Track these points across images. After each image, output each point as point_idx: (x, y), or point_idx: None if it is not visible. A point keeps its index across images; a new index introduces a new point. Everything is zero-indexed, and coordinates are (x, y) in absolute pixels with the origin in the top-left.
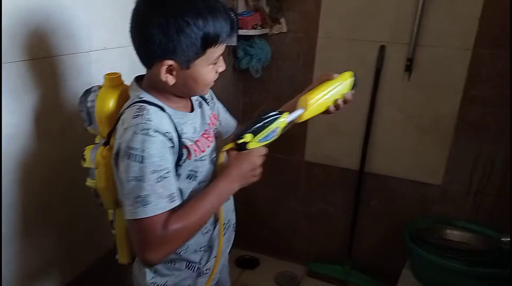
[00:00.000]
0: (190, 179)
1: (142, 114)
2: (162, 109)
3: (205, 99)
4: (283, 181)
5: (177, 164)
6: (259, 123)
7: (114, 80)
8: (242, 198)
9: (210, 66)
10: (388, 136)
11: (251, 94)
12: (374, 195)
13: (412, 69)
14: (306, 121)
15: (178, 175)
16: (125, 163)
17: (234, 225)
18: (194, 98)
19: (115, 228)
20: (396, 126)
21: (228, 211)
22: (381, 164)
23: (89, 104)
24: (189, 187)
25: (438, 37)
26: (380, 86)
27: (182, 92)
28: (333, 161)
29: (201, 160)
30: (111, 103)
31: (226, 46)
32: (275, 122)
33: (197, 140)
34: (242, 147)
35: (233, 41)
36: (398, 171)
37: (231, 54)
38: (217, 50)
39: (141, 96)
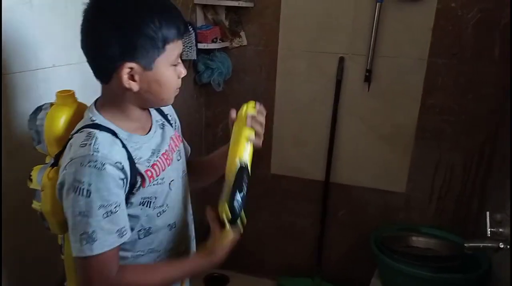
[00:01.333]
0: (144, 205)
1: (90, 144)
2: (114, 134)
3: (168, 121)
4: (250, 194)
5: (130, 192)
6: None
7: (65, 98)
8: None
9: (172, 68)
10: (352, 147)
11: (213, 108)
12: (341, 205)
13: (371, 79)
14: (270, 133)
15: (130, 203)
16: (70, 196)
17: (194, 252)
18: (157, 117)
19: (64, 253)
20: (359, 137)
21: (188, 239)
22: (346, 174)
23: (38, 122)
24: (143, 213)
25: (395, 48)
26: (341, 97)
27: (147, 101)
28: (299, 173)
29: (157, 184)
30: (61, 122)
31: (186, 60)
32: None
33: (154, 164)
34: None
35: (193, 55)
36: (363, 180)
37: (191, 68)
38: (176, 47)
39: (94, 118)
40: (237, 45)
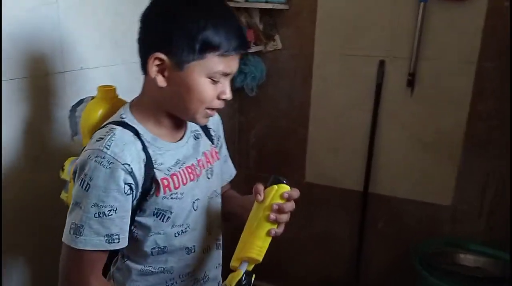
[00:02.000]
0: (158, 218)
1: (105, 140)
2: (138, 134)
3: (208, 134)
4: None
5: (143, 198)
6: None
7: (106, 92)
8: (241, 222)
9: (208, 80)
10: (392, 155)
11: (246, 113)
12: (380, 216)
13: (415, 84)
14: (305, 139)
15: (142, 210)
16: (76, 184)
17: (219, 281)
18: (193, 127)
19: None
20: (401, 144)
21: (209, 266)
22: (386, 184)
23: (77, 113)
24: (157, 226)
25: (441, 50)
26: (381, 102)
27: (174, 106)
28: (335, 182)
29: (173, 198)
30: (97, 115)
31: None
32: None
33: (173, 174)
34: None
35: None
36: (404, 191)
37: None
38: (218, 62)
39: (123, 116)
40: (271, 49)
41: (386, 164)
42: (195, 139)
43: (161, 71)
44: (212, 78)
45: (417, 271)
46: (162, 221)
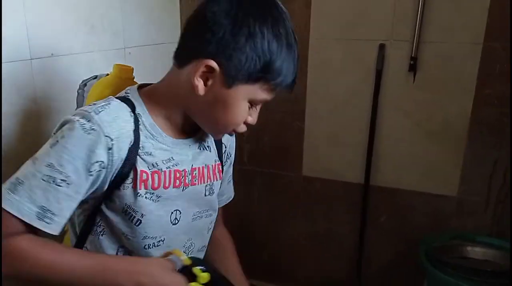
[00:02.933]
0: (127, 216)
1: (97, 105)
2: (134, 114)
3: (219, 148)
4: (281, 199)
5: (117, 186)
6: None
7: (122, 71)
8: (236, 220)
9: (247, 104)
10: (395, 145)
11: None
12: (382, 210)
13: (417, 68)
14: (301, 131)
15: (112, 200)
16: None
17: None
18: (202, 137)
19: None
20: (403, 133)
21: None
22: (389, 176)
23: (87, 88)
24: (125, 226)
25: (444, 32)
26: (382, 89)
27: (200, 113)
28: (334, 175)
29: (147, 198)
30: (106, 92)
31: None
32: None
33: (156, 171)
34: (187, 271)
35: None
36: (408, 183)
37: None
38: (266, 92)
39: (128, 92)
40: None
41: (388, 154)
42: (199, 149)
43: (204, 78)
44: (252, 103)
45: (424, 266)
46: (131, 221)
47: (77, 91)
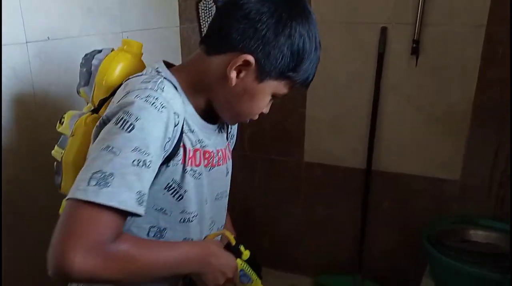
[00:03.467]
0: (170, 192)
1: (155, 82)
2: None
3: (226, 130)
4: (282, 185)
5: (165, 162)
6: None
7: (134, 45)
8: (238, 207)
9: (270, 97)
10: (397, 129)
11: None
12: (384, 195)
13: (420, 52)
14: (303, 116)
15: (157, 177)
16: (108, 126)
17: None
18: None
19: None
20: (405, 118)
21: None
22: (391, 161)
23: (95, 61)
24: (165, 202)
25: (447, 14)
26: (384, 73)
27: (223, 100)
28: (336, 160)
29: (191, 176)
30: (118, 67)
31: None
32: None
33: (197, 149)
34: (236, 250)
35: None
36: (410, 167)
37: None
38: (288, 87)
39: (160, 70)
40: None
41: (390, 139)
42: (219, 132)
43: (238, 70)
44: (273, 97)
45: (427, 250)
46: (173, 197)
47: (80, 65)
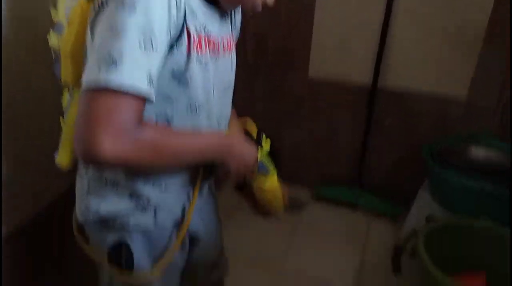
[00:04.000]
0: (175, 78)
1: None
2: None
3: (232, 21)
4: (285, 101)
5: (170, 49)
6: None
7: None
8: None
9: None
10: (406, 48)
11: None
12: (388, 113)
13: None
14: (310, 30)
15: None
16: (108, 10)
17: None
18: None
19: (66, 119)
20: (416, 37)
21: None
22: (397, 79)
23: None
24: (172, 90)
25: None
26: None
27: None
28: (341, 77)
29: (197, 63)
30: None
31: None
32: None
33: (201, 35)
34: (257, 141)
35: None
36: (416, 85)
37: None
38: None
39: None
40: None
41: (399, 57)
42: (222, 18)
43: None
44: None
45: (426, 163)
46: (178, 83)
47: None
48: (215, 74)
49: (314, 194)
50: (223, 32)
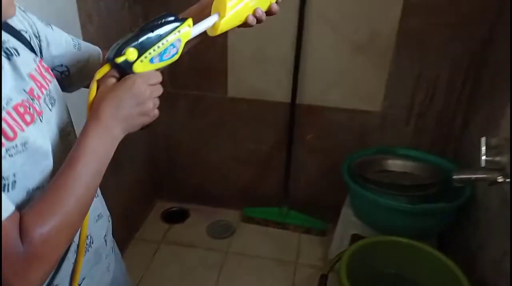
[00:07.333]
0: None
1: None
2: None
3: (24, 41)
4: (206, 122)
5: None
6: (149, 33)
7: None
8: (162, 145)
9: None
10: (321, 61)
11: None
12: (309, 128)
13: None
14: (225, 49)
15: None
16: None
17: (109, 216)
18: None
19: None
20: (330, 48)
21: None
22: (315, 93)
23: None
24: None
25: None
26: (308, 0)
27: None
28: (261, 95)
29: (12, 156)
30: None
31: None
32: (173, 33)
33: (8, 113)
34: (124, 69)
35: None
36: (334, 100)
37: None
38: None
39: None
40: None
41: (315, 71)
42: (9, 59)
43: None
44: None
45: (346, 182)
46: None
47: None
48: (48, 136)
49: (242, 216)
50: (26, 78)
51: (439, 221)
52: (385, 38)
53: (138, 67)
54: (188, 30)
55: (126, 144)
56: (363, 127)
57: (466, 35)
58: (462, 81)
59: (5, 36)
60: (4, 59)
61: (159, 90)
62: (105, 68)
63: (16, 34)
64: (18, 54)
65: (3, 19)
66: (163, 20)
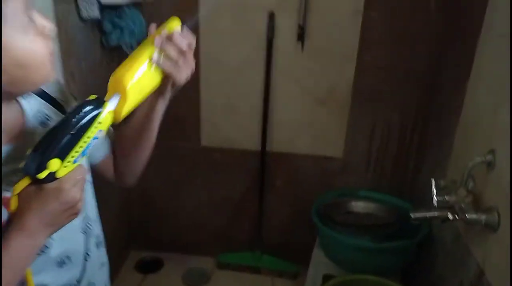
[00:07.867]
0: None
1: None
2: None
3: (58, 106)
4: (180, 171)
5: None
6: (68, 136)
7: None
8: (135, 195)
9: (22, 29)
10: (287, 112)
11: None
12: (278, 175)
13: (305, 37)
14: (197, 101)
15: None
16: None
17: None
18: (34, 108)
19: None
20: (295, 101)
21: (92, 272)
22: (282, 142)
23: None
24: None
25: (329, 1)
26: (273, 58)
27: (12, 94)
28: (232, 143)
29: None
30: None
31: (87, 20)
32: (93, 126)
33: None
34: (48, 180)
35: (95, 12)
36: (300, 147)
37: (96, 30)
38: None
39: None
40: (151, 0)
41: (282, 121)
42: (44, 126)
43: None
44: (22, 24)
45: (315, 224)
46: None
47: None
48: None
49: (217, 262)
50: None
51: (401, 257)
52: (342, 92)
53: (62, 172)
54: (108, 116)
55: (99, 195)
56: (328, 172)
57: (411, 87)
58: (411, 129)
59: (37, 103)
60: (40, 126)
61: (84, 179)
62: (25, 182)
63: (49, 98)
64: (50, 120)
65: (46, 81)
66: (80, 113)
